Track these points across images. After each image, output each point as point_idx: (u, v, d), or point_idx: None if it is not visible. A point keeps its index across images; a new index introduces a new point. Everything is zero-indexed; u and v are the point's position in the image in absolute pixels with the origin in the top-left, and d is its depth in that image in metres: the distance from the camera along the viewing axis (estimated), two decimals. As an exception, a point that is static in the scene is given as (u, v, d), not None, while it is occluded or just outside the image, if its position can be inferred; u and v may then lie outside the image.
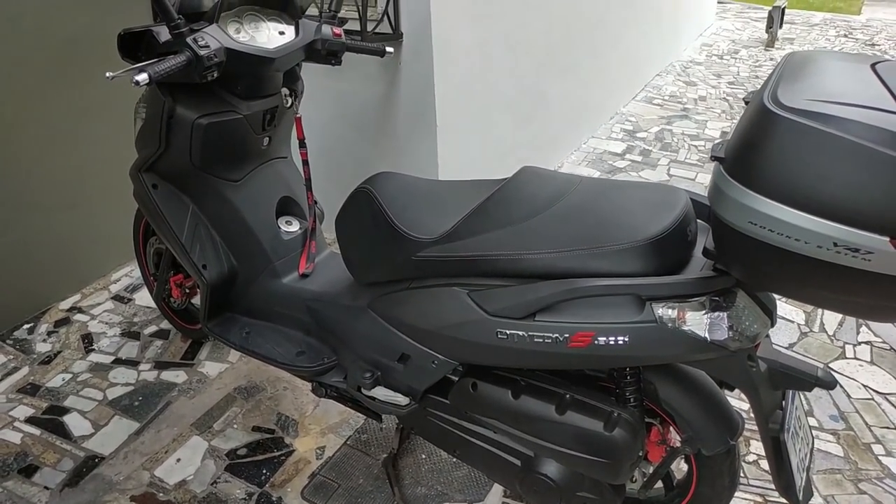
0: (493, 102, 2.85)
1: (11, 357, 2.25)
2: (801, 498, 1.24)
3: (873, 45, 6.05)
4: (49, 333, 2.36)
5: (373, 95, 2.52)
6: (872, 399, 2.02)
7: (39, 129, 2.32)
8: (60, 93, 2.34)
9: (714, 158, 1.01)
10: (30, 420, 1.99)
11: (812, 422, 1.94)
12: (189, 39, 1.44)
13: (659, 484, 1.52)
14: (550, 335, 1.20)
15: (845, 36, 6.42)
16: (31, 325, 2.40)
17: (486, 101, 2.79)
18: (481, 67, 2.68)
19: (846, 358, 2.20)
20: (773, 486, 1.29)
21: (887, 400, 2.02)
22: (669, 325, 1.13)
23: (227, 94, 1.65)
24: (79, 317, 2.44)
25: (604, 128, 4.14)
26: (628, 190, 1.29)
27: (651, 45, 4.85)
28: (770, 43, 5.96)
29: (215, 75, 1.50)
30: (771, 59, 5.66)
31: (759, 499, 1.71)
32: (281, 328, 1.78)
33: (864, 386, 2.07)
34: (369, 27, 2.32)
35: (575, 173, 1.41)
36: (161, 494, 1.75)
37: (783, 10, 5.92)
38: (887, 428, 1.92)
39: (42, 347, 2.29)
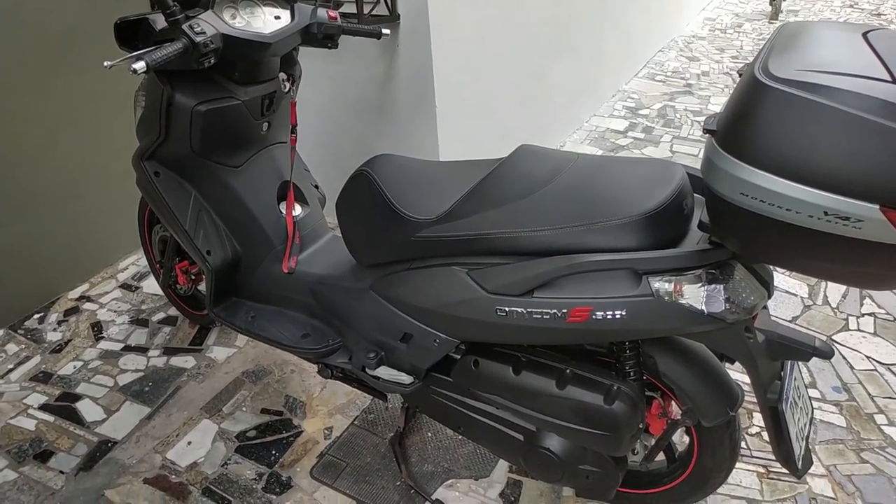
0: (493, 82, 2.84)
1: (23, 346, 2.29)
2: (800, 467, 1.26)
3: (879, 14, 5.97)
4: (59, 322, 2.39)
5: (371, 78, 2.52)
6: (875, 370, 2.03)
7: (42, 121, 2.33)
8: (61, 84, 2.35)
9: (706, 131, 1.01)
10: (43, 407, 2.03)
11: (814, 393, 1.96)
12: (185, 26, 1.45)
13: (661, 456, 1.54)
14: (549, 311, 1.22)
15: (851, 6, 6.33)
16: (42, 314, 2.44)
17: (486, 82, 2.78)
18: (480, 47, 2.67)
19: (849, 330, 2.20)
20: (774, 457, 1.31)
21: (890, 370, 2.03)
22: (666, 298, 1.14)
23: (225, 80, 1.66)
24: (88, 305, 2.47)
25: (606, 105, 4.12)
26: (624, 165, 1.30)
27: (652, 21, 4.80)
28: (774, 15, 5.88)
29: (212, 61, 1.51)
30: (775, 32, 5.59)
31: (761, 469, 1.72)
32: (286, 311, 1.80)
33: (868, 357, 2.08)
34: (366, 9, 2.31)
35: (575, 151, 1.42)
36: (173, 476, 1.78)
37: (787, -19, 5.85)
38: (890, 398, 1.93)
39: (53, 336, 2.33)
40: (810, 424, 1.35)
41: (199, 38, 1.45)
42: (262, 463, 1.81)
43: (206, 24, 1.48)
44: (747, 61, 4.77)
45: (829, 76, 0.88)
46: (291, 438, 1.88)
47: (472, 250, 1.31)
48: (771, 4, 5.90)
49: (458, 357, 1.46)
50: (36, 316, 2.43)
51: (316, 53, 1.94)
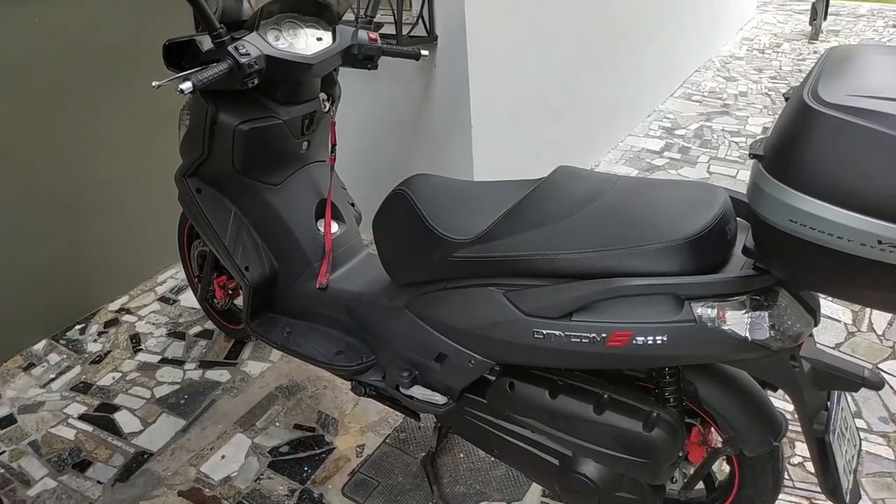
0: (528, 102, 2.84)
1: (65, 356, 2.34)
2: (847, 500, 1.22)
3: (924, 34, 5.83)
4: (99, 334, 2.45)
5: (408, 98, 2.54)
6: (924, 401, 1.96)
7: (89, 137, 2.40)
8: (108, 101, 2.42)
9: (753, 156, 0.99)
10: (83, 417, 2.07)
11: (861, 424, 1.89)
12: (230, 48, 1.48)
13: (700, 485, 1.50)
14: (588, 335, 1.20)
15: (894, 27, 6.20)
16: (83, 325, 2.49)
17: (521, 101, 2.79)
18: (516, 67, 2.68)
19: (896, 358, 2.13)
20: (819, 489, 1.27)
21: (940, 402, 1.95)
22: (709, 324, 1.12)
23: (267, 100, 1.69)
24: (127, 318, 2.53)
25: (641, 125, 4.09)
26: (666, 188, 1.28)
27: (689, 41, 4.77)
28: (814, 36, 5.79)
29: (256, 82, 1.54)
30: (814, 53, 5.51)
31: (804, 502, 1.67)
32: (321, 328, 1.81)
33: (916, 387, 2.01)
34: (404, 31, 2.34)
35: (612, 172, 1.41)
36: (207, 490, 1.80)
37: (827, 1, 5.75)
38: (940, 431, 1.86)
39: (93, 347, 2.38)
40: (858, 456, 1.30)
41: (243, 59, 1.48)
42: (295, 479, 1.81)
43: (251, 46, 1.52)
44: (787, 82, 4.71)
45: (882, 101, 0.86)
46: (324, 455, 1.88)
47: (510, 271, 1.30)
48: (811, 24, 5.82)
49: (493, 378, 1.45)
50: (77, 327, 2.49)
51: (355, 73, 1.97)
